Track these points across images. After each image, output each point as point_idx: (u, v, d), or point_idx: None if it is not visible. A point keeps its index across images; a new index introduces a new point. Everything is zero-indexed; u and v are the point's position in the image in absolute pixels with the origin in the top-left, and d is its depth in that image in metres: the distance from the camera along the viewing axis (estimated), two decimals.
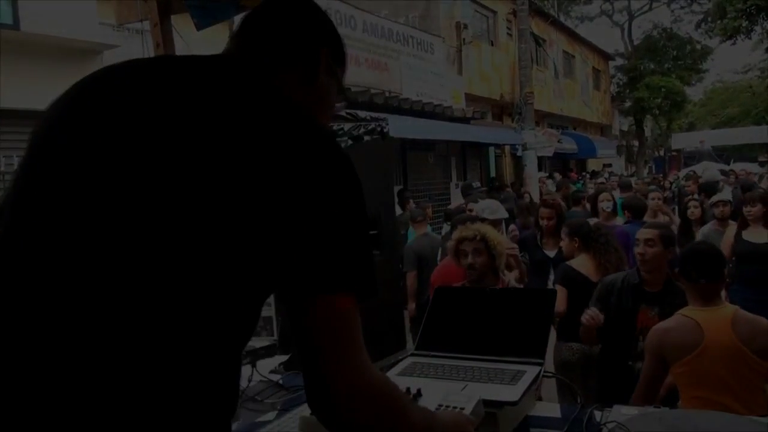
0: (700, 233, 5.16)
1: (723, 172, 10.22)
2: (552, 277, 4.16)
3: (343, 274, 0.82)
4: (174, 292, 0.75)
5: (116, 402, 0.71)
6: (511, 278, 3.30)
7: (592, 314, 2.73)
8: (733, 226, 4.90)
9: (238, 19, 1.09)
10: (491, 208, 4.45)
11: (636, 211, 5.24)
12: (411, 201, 8.19)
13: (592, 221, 4.83)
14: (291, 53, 0.98)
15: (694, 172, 13.28)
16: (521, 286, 3.70)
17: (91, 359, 0.72)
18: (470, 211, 4.82)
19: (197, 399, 0.77)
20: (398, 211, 6.75)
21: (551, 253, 4.31)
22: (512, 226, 5.75)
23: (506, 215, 4.81)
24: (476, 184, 8.20)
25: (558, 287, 3.44)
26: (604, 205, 5.43)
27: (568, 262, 3.65)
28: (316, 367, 0.81)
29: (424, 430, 0.93)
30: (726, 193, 6.31)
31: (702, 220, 5.65)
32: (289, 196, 0.79)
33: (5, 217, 0.82)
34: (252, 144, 0.80)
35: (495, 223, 4.26)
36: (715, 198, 5.34)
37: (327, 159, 0.84)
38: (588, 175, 17.22)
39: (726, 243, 4.56)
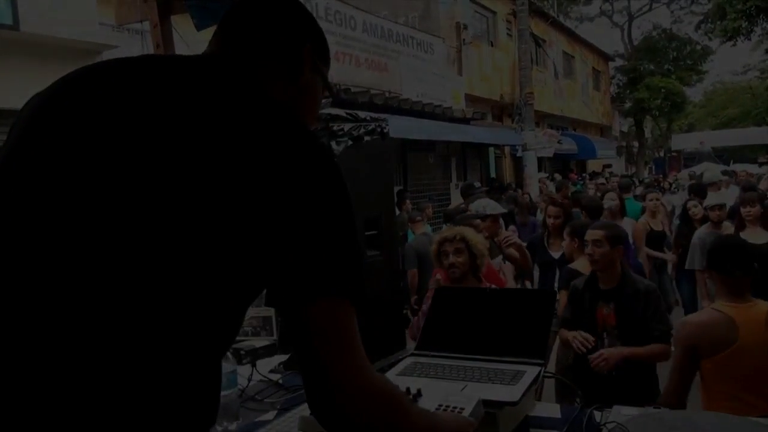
0: (696, 236, 5.12)
1: (726, 173, 10.19)
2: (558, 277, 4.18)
3: (338, 278, 0.81)
4: (158, 295, 0.74)
5: (97, 402, 0.71)
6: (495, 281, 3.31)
7: (582, 341, 2.77)
8: (728, 228, 4.88)
9: None
10: (490, 205, 4.47)
11: (591, 211, 5.29)
12: (408, 201, 8.18)
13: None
14: (273, 51, 0.96)
15: (695, 172, 13.28)
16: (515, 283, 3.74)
17: (71, 360, 0.71)
18: (469, 211, 4.84)
19: (178, 403, 0.76)
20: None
21: (557, 255, 4.32)
22: (512, 227, 5.75)
23: (504, 210, 4.86)
24: (477, 184, 8.20)
25: (562, 292, 3.42)
26: (606, 204, 5.43)
27: (570, 265, 3.65)
28: (318, 371, 0.80)
29: (425, 430, 0.94)
30: (723, 196, 6.29)
31: (704, 220, 5.61)
32: (274, 199, 0.78)
33: None
34: (235, 146, 0.79)
35: (494, 219, 4.28)
36: (711, 201, 5.31)
37: (312, 161, 0.83)
38: (588, 176, 17.23)
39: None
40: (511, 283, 4.02)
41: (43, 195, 0.77)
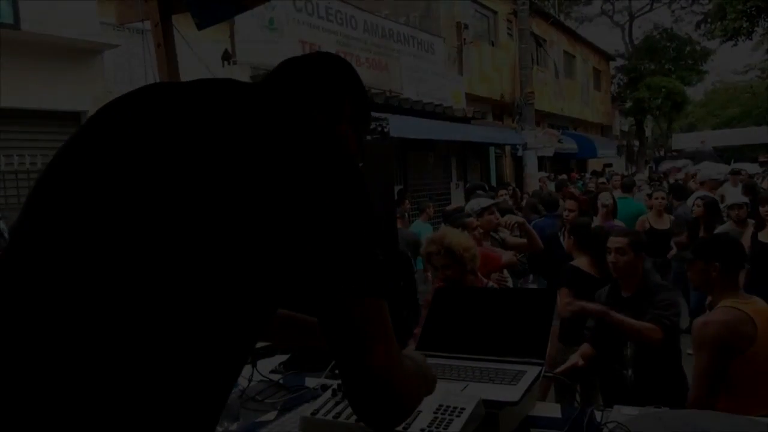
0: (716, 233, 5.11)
1: (733, 172, 10.19)
2: None
3: (377, 278, 0.84)
4: (179, 303, 0.74)
5: (104, 407, 0.71)
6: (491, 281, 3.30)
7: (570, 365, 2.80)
8: (751, 227, 4.86)
9: (238, 18, 1.10)
10: (482, 200, 4.53)
11: (549, 205, 5.39)
12: (407, 201, 8.17)
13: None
14: (317, 95, 1.04)
15: (697, 170, 13.27)
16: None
17: (87, 364, 0.71)
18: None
19: (187, 410, 0.76)
20: None
21: None
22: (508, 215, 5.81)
23: (497, 201, 5.04)
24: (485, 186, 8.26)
25: (563, 290, 3.35)
26: (606, 200, 5.44)
27: (572, 263, 3.65)
28: (366, 371, 0.82)
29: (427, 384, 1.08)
30: (733, 194, 6.28)
31: (708, 218, 5.56)
32: (300, 204, 0.79)
33: (19, 230, 0.83)
34: (262, 151, 0.81)
35: (490, 212, 4.33)
36: (729, 201, 5.30)
37: (339, 168, 0.85)
38: (590, 176, 17.20)
39: (743, 245, 4.51)
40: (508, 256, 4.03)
41: (77, 206, 0.79)
